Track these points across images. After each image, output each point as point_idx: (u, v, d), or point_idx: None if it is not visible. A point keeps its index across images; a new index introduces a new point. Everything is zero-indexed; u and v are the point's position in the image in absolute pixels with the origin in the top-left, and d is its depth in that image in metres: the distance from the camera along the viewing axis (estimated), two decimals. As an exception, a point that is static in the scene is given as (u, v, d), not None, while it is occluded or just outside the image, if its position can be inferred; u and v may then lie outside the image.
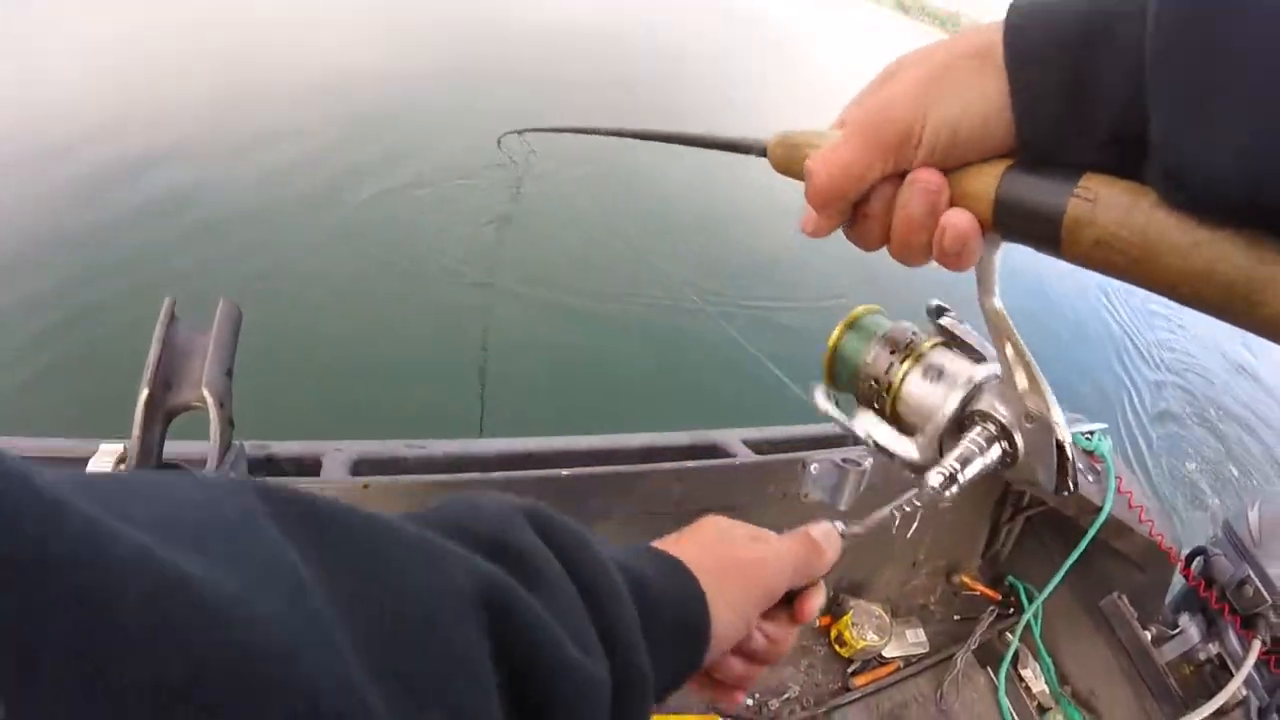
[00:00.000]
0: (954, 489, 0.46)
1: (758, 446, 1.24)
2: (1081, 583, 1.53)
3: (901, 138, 0.37)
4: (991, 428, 0.48)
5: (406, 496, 1.00)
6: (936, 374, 0.50)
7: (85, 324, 2.72)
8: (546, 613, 0.33)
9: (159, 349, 0.96)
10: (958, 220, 0.37)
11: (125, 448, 0.94)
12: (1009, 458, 0.47)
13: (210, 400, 0.93)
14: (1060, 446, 0.46)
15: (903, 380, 0.50)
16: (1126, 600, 1.50)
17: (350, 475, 1.00)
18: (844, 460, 1.23)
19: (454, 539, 0.33)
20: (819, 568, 0.53)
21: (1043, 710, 1.49)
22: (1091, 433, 1.54)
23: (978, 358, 0.50)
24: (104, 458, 0.98)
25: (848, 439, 1.29)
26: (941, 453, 0.50)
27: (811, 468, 1.22)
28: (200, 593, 0.20)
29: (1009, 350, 0.45)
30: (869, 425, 0.53)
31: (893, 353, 0.51)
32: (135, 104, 4.49)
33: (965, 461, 0.47)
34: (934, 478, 0.47)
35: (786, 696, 1.38)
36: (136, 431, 0.92)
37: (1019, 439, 0.47)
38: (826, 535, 0.55)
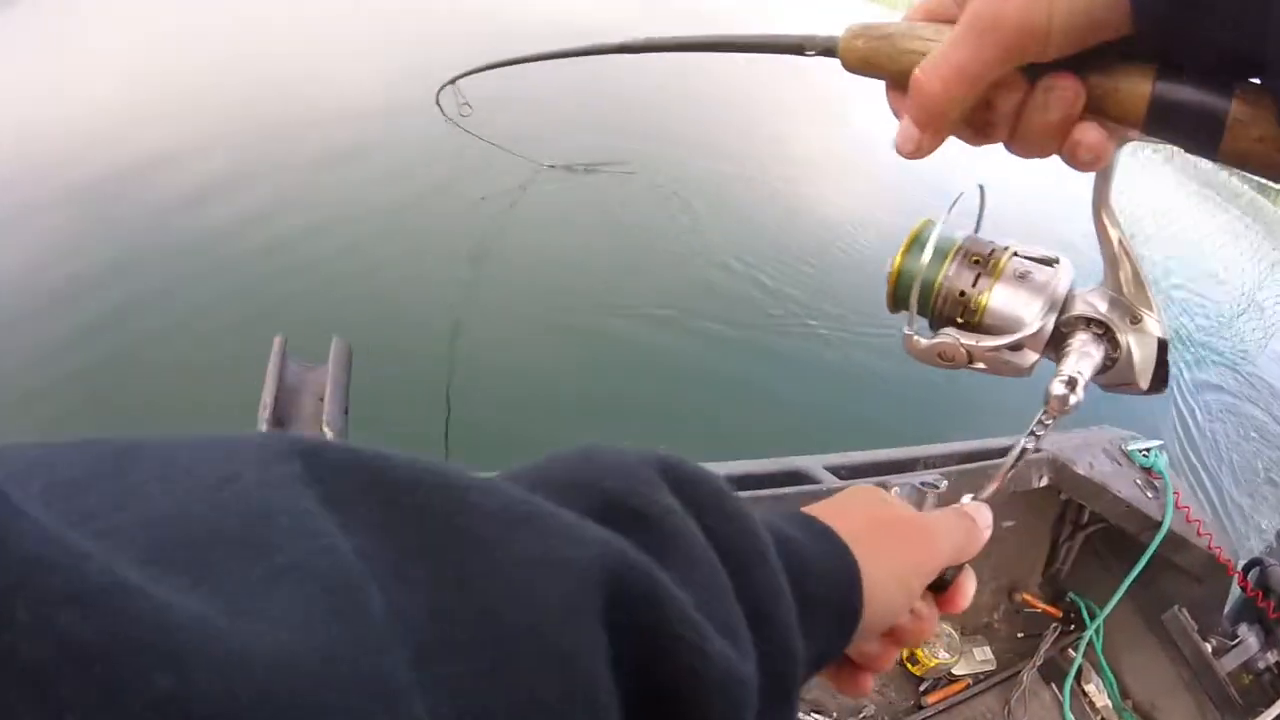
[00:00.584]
0: (1077, 395, 0.45)
1: (838, 471, 1.26)
2: (1141, 597, 1.56)
3: (1029, 29, 0.33)
4: (1097, 330, 0.47)
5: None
6: (1023, 282, 0.48)
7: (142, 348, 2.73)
8: (685, 591, 0.27)
9: (274, 387, 0.97)
10: (1091, 137, 0.36)
11: None
12: (1110, 360, 0.47)
13: (332, 439, 0.94)
14: (1163, 345, 0.46)
15: (991, 292, 0.48)
16: (1187, 613, 1.52)
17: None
18: (922, 483, 1.25)
19: (567, 501, 0.27)
20: (974, 546, 0.48)
21: (1108, 725, 1.51)
22: (1148, 449, 1.57)
23: (1050, 262, 0.49)
24: None
25: (918, 463, 1.30)
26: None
27: (893, 491, 1.24)
28: (208, 681, 0.13)
29: (1118, 248, 0.45)
30: (964, 338, 0.49)
31: (975, 263, 0.49)
32: (201, 125, 4.48)
33: (1082, 366, 0.46)
34: (1057, 387, 0.45)
35: (862, 715, 1.40)
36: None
37: (1123, 340, 0.46)
38: (979, 511, 0.50)
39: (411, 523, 0.21)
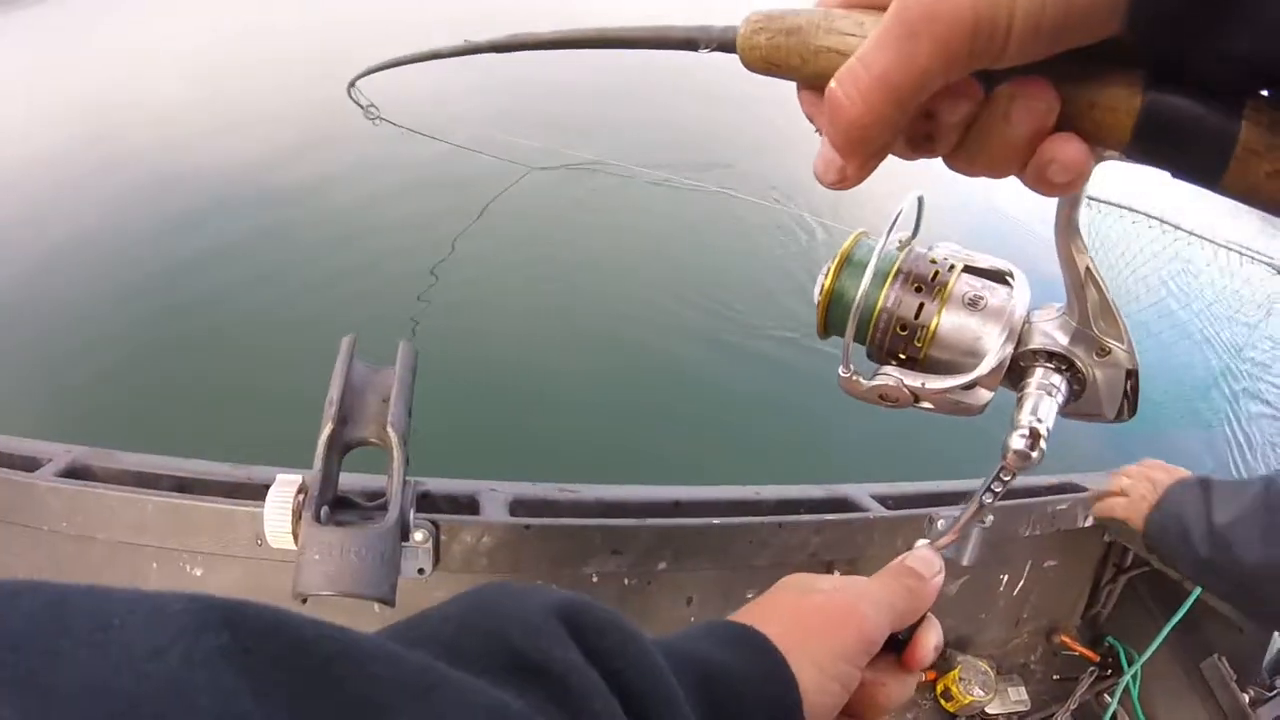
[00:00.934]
0: (1040, 447, 0.41)
1: (884, 501, 1.26)
2: (1181, 644, 1.53)
3: (980, 25, 0.25)
4: (1058, 364, 0.43)
5: (565, 539, 1.03)
6: (974, 309, 0.43)
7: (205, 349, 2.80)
8: None
9: (341, 385, 0.99)
10: (1069, 153, 0.29)
11: (304, 478, 0.97)
12: (1074, 395, 0.43)
13: (395, 439, 0.97)
14: (1132, 375, 0.42)
15: (938, 319, 0.43)
16: (1226, 662, 1.49)
17: (510, 516, 1.03)
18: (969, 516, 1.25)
19: (471, 659, 0.28)
20: (923, 599, 0.46)
21: (1143, 776, 1.48)
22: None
23: (1002, 278, 0.44)
24: (282, 489, 1.01)
25: (964, 497, 1.29)
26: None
27: (939, 524, 1.24)
28: None
29: (1084, 275, 0.41)
30: (908, 378, 0.45)
31: (918, 290, 0.43)
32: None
33: (1042, 411, 0.42)
34: (1016, 441, 0.42)
35: (894, 750, 1.38)
36: (318, 464, 0.95)
37: (1089, 373, 0.43)
38: (925, 561, 0.48)
39: (320, 693, 0.21)
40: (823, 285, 0.45)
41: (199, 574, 1.07)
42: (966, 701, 1.42)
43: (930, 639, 0.45)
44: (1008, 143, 0.29)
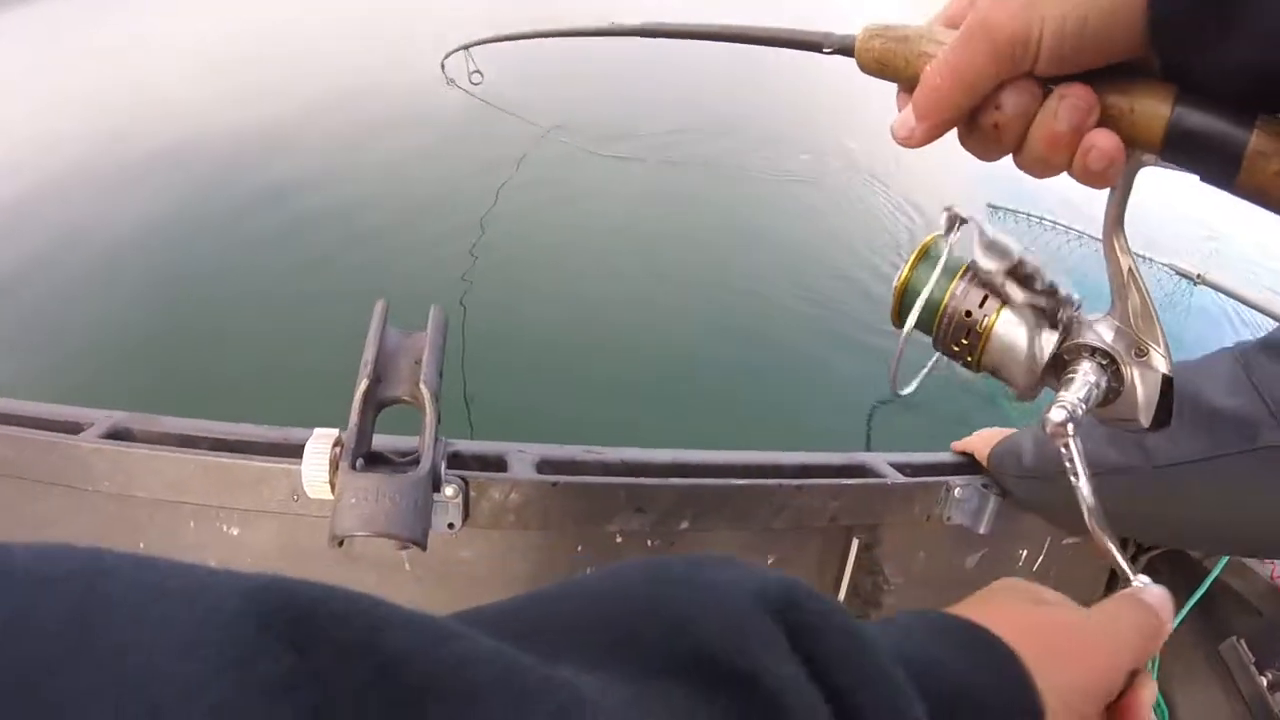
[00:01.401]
0: (1076, 423, 0.44)
1: (901, 469, 1.28)
2: (1200, 626, 1.53)
3: (1016, 38, 0.34)
4: (1101, 360, 0.46)
5: (590, 497, 1.06)
6: (1029, 306, 0.47)
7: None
8: None
9: (376, 347, 1.03)
10: (1104, 143, 0.35)
11: (340, 434, 1.01)
12: (1113, 393, 0.46)
13: (427, 395, 1.00)
14: (1168, 381, 0.44)
15: (998, 315, 0.48)
16: (1245, 645, 1.49)
17: (537, 474, 1.06)
18: (984, 484, 1.26)
19: (650, 653, 0.22)
20: (1156, 646, 0.40)
21: (1160, 756, 1.49)
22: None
23: (1050, 286, 0.48)
24: (319, 441, 1.04)
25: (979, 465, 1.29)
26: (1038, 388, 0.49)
27: (955, 491, 1.26)
28: None
29: (1126, 276, 0.44)
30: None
31: (983, 286, 0.49)
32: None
33: (1082, 395, 0.45)
34: (1056, 413, 0.44)
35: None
36: (354, 418, 0.99)
37: (1127, 373, 0.45)
38: (1163, 601, 0.41)
39: None
40: (900, 276, 0.50)
41: (235, 532, 1.11)
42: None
43: (1150, 696, 0.37)
44: (1057, 135, 0.36)
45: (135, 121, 4.43)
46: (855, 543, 1.32)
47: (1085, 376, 0.45)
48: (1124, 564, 0.49)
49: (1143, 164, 0.38)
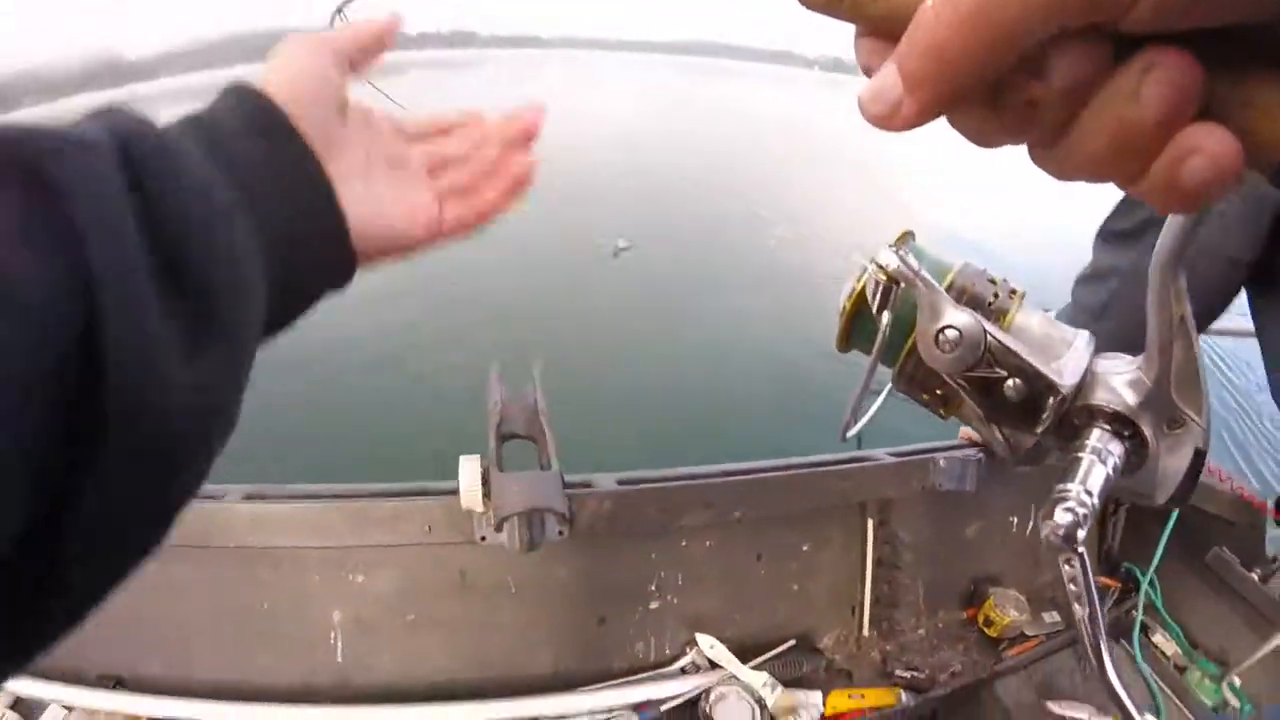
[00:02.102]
0: (1085, 529, 0.35)
1: (895, 455, 1.64)
2: (1184, 549, 1.79)
3: None
4: (1119, 427, 0.37)
5: (665, 497, 1.42)
6: (1029, 344, 0.38)
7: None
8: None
9: (498, 396, 1.45)
10: (1217, 143, 0.20)
11: (483, 458, 1.36)
12: (1131, 468, 0.37)
13: (544, 423, 1.40)
14: (1200, 456, 0.37)
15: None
16: (1227, 549, 1.75)
17: (619, 485, 1.43)
18: (964, 455, 1.62)
19: None
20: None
21: (1180, 670, 1.73)
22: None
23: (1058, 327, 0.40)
24: (471, 461, 1.36)
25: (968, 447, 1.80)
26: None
27: (940, 462, 1.61)
28: None
29: (1176, 326, 0.34)
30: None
31: (975, 309, 0.38)
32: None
33: (1092, 482, 0.36)
34: (1061, 515, 0.35)
35: (952, 671, 1.66)
36: (491, 443, 1.37)
37: (1153, 447, 0.37)
38: None
39: None
40: (847, 296, 0.40)
41: (360, 580, 1.41)
42: (1006, 621, 1.70)
43: None
44: (1131, 127, 0.21)
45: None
46: (870, 522, 1.65)
47: (1100, 455, 0.35)
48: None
49: (1243, 182, 0.22)
